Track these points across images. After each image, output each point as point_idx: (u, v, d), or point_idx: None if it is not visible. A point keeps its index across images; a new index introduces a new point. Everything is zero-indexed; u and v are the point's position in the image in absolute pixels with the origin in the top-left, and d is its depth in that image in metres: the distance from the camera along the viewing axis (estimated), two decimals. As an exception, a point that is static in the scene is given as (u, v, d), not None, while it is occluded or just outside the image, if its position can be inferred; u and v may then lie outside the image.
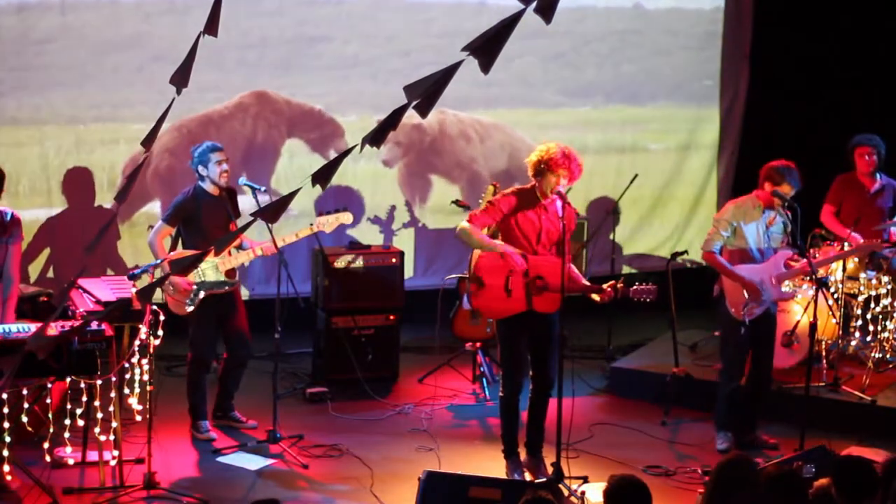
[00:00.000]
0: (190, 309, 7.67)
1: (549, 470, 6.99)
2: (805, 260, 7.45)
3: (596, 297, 6.99)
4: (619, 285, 6.96)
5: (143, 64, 9.46)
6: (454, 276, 9.17)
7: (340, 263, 8.89)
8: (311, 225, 7.79)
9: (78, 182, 9.55)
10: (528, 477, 7.13)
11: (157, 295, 7.79)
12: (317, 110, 10.09)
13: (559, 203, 6.88)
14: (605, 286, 6.96)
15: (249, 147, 9.94)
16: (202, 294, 7.68)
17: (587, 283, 7.09)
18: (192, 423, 7.88)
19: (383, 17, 10.22)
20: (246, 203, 8.32)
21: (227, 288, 7.76)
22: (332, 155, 9.91)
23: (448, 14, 10.35)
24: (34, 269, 9.42)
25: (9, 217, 7.14)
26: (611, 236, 9.93)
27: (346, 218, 7.91)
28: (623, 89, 11.07)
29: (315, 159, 10.04)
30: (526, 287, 6.91)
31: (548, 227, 6.96)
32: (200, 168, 7.69)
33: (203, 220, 7.67)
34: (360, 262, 9.00)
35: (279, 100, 10.00)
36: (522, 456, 7.26)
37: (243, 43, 9.79)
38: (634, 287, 7.07)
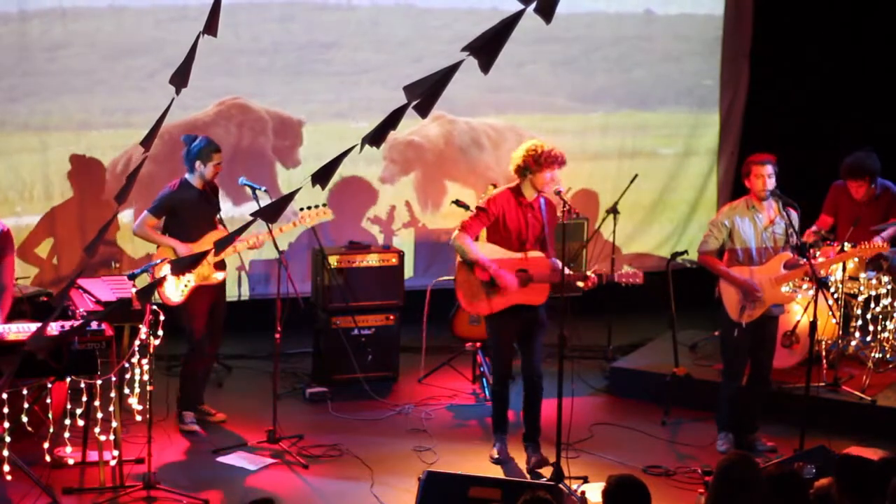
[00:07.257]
0: (179, 299, 7.66)
1: (549, 461, 7.15)
2: (806, 260, 7.45)
3: (581, 283, 7.24)
4: (602, 271, 7.22)
5: (155, 70, 9.35)
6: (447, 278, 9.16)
7: (333, 262, 8.85)
8: (293, 220, 7.96)
9: (85, 174, 9.47)
10: (523, 467, 7.30)
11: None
12: (296, 120, 9.98)
13: (542, 199, 7.22)
14: (588, 271, 7.21)
15: (235, 153, 9.77)
16: (192, 284, 7.69)
17: (570, 272, 7.27)
18: (178, 414, 7.89)
19: (394, 23, 10.15)
20: (250, 204, 8.31)
21: (218, 279, 7.82)
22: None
23: (459, 20, 10.26)
24: (38, 261, 9.40)
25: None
26: (610, 236, 9.92)
27: (327, 214, 8.01)
28: (633, 95, 11.01)
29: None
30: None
31: (533, 223, 7.23)
32: (198, 163, 7.68)
33: (188, 213, 7.72)
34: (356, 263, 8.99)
35: (259, 108, 9.83)
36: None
37: (254, 49, 9.74)
38: (620, 272, 7.32)
